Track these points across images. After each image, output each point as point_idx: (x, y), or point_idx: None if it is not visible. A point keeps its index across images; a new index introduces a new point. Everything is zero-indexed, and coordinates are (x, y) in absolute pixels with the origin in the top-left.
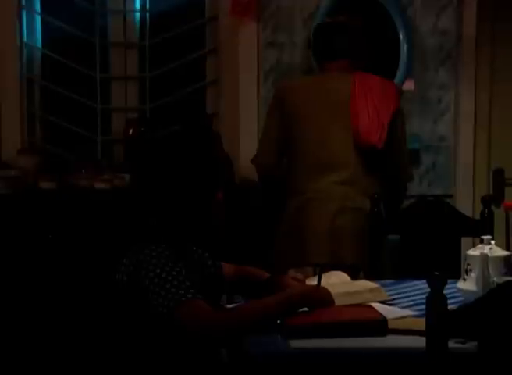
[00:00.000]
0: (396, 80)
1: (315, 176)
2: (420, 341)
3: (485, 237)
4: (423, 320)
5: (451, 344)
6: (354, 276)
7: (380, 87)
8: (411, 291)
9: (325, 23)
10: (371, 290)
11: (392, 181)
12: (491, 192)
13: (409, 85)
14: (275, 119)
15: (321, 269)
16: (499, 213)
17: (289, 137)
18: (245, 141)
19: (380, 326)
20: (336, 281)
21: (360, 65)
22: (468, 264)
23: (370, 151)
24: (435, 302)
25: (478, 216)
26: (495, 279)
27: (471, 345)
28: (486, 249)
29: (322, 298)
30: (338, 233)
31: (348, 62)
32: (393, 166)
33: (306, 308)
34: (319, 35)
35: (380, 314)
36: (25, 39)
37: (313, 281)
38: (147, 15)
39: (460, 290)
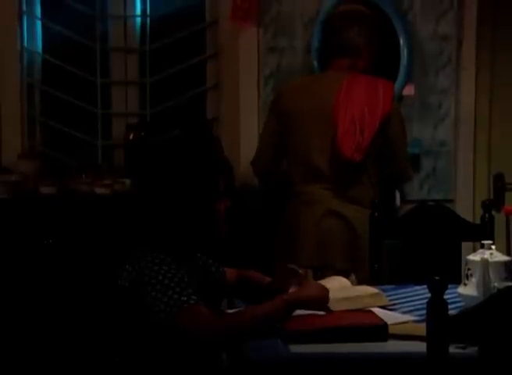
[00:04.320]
0: (397, 85)
1: (308, 181)
2: (420, 346)
3: (485, 242)
4: (423, 325)
5: (452, 349)
6: None
7: (366, 91)
8: (412, 296)
9: (330, 16)
10: (372, 295)
11: (389, 185)
12: (491, 197)
13: (409, 90)
14: (271, 121)
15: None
16: (499, 218)
17: (284, 140)
18: (245, 146)
19: (381, 331)
20: (336, 286)
21: (363, 63)
22: (469, 269)
23: (356, 163)
24: (435, 307)
25: (478, 221)
26: (495, 284)
27: (471, 350)
28: (487, 254)
29: (319, 299)
30: (324, 236)
31: (350, 62)
32: (390, 170)
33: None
34: (326, 27)
35: (381, 319)
36: (25, 44)
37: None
38: (148, 20)
39: (460, 295)
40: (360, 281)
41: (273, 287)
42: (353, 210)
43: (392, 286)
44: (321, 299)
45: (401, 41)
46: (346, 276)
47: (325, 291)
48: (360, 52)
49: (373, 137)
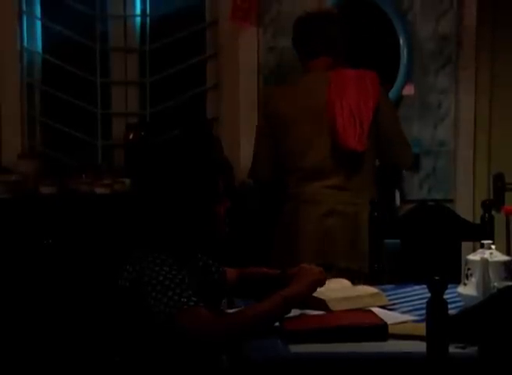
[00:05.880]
0: (396, 85)
1: (306, 182)
2: (420, 346)
3: (485, 241)
4: (423, 325)
5: (451, 349)
6: (348, 279)
7: (356, 84)
8: (411, 295)
9: (303, 18)
10: (372, 295)
11: (390, 170)
12: (491, 197)
13: (409, 90)
14: (264, 129)
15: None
16: (499, 218)
17: (279, 146)
18: (245, 146)
19: (381, 331)
20: (336, 286)
21: (341, 60)
22: (469, 269)
23: (358, 153)
24: (435, 307)
25: (478, 221)
26: (495, 284)
27: (471, 350)
28: (487, 254)
29: (316, 282)
30: (327, 236)
31: (328, 60)
32: (389, 157)
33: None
34: (298, 31)
35: (380, 319)
36: (25, 44)
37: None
38: (148, 20)
39: (460, 295)
40: (365, 281)
41: (285, 276)
42: (355, 207)
43: (392, 286)
44: (318, 281)
45: (401, 41)
46: (352, 275)
47: (318, 270)
48: (337, 48)
49: (370, 127)
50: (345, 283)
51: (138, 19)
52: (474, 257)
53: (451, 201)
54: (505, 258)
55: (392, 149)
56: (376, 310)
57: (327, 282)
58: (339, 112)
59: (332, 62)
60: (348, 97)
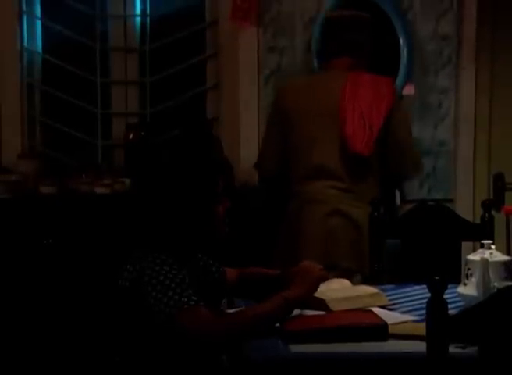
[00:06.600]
0: (396, 85)
1: (310, 181)
2: (420, 346)
3: (485, 241)
4: (423, 325)
5: (451, 349)
6: (349, 280)
7: (372, 89)
8: (411, 295)
9: (332, 17)
10: (372, 295)
11: (396, 180)
12: (491, 196)
13: (409, 90)
14: (274, 123)
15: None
16: (499, 218)
17: (287, 138)
18: (245, 146)
19: (381, 331)
20: (337, 286)
21: (363, 63)
22: (469, 269)
23: (364, 157)
24: (435, 307)
25: (478, 221)
26: (495, 284)
27: (471, 350)
28: (487, 254)
29: (316, 281)
30: (330, 235)
31: (350, 61)
32: (396, 166)
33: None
34: (325, 29)
35: (381, 319)
36: (25, 44)
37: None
38: (148, 20)
39: (460, 295)
40: (365, 281)
41: (285, 276)
42: (358, 209)
43: (392, 286)
44: (320, 278)
45: (401, 41)
46: (352, 275)
47: (318, 268)
48: (362, 51)
49: (379, 132)
50: (345, 283)
51: (138, 19)
52: (474, 257)
53: (451, 201)
54: (505, 258)
55: (399, 157)
56: (376, 310)
57: (328, 282)
58: (351, 114)
59: (353, 64)
60: (361, 99)
